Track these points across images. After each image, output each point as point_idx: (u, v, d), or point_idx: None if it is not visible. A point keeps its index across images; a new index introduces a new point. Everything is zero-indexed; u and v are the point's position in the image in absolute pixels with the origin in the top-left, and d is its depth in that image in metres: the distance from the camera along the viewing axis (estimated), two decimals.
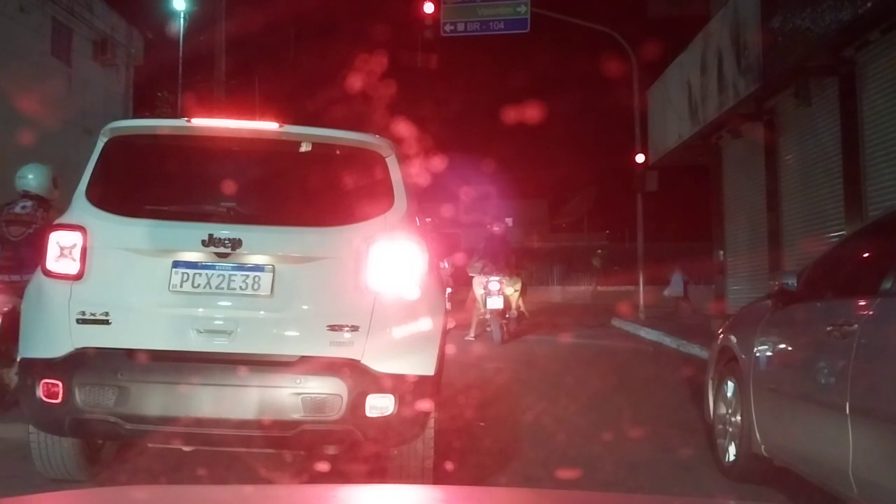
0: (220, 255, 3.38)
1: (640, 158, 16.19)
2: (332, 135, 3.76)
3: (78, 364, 3.28)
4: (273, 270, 3.39)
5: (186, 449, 3.64)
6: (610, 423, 5.43)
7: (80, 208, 3.53)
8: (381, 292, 3.43)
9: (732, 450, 4.28)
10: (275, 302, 3.38)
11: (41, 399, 3.28)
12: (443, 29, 16.23)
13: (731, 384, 4.42)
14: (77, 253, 3.40)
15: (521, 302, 12.04)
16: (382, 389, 3.32)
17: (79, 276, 3.38)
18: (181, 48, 23.47)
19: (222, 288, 3.38)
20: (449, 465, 3.99)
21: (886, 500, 2.86)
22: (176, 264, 3.38)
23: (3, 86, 15.46)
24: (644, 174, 16.14)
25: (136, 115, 20.13)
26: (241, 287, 3.38)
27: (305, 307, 3.43)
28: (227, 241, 3.36)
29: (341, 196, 3.69)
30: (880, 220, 4.08)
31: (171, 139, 3.84)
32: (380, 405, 3.31)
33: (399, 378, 3.36)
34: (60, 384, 3.25)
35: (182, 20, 23.37)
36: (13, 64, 16.14)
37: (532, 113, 20.19)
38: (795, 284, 3.91)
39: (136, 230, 3.44)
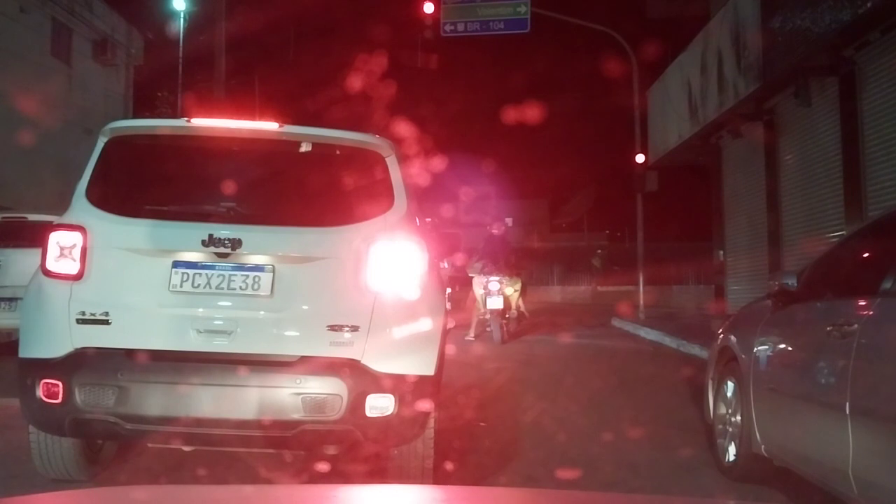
0: (220, 255, 3.38)
1: (640, 158, 16.19)
2: (332, 135, 3.76)
3: (78, 364, 3.28)
4: (273, 270, 3.39)
5: (186, 449, 3.64)
6: (610, 423, 5.43)
7: (80, 208, 3.53)
8: (381, 292, 3.43)
9: (732, 450, 4.28)
10: (275, 302, 3.38)
11: (41, 399, 3.28)
12: (443, 29, 16.22)
13: (731, 384, 4.42)
14: (77, 253, 3.40)
15: (521, 302, 12.04)
16: (382, 389, 3.32)
17: (79, 276, 3.38)
18: (181, 48, 23.50)
19: (222, 288, 3.38)
20: (449, 465, 3.99)
21: (886, 500, 2.85)
22: (176, 264, 3.38)
23: (3, 86, 15.46)
24: (644, 174, 16.14)
25: (136, 115, 20.16)
26: (241, 287, 3.38)
27: (305, 307, 3.43)
28: (227, 242, 3.36)
29: (341, 196, 3.69)
30: (880, 220, 4.07)
31: (171, 139, 3.84)
32: (380, 405, 3.31)
33: (399, 378, 3.36)
34: (60, 384, 3.26)
35: (182, 20, 23.41)
36: (13, 64, 16.15)
37: (532, 113, 20.20)
38: (795, 284, 3.90)
39: (136, 230, 3.44)
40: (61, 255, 3.41)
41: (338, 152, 3.78)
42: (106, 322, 3.33)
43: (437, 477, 3.75)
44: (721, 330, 4.90)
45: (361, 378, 3.31)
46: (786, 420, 3.74)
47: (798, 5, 8.83)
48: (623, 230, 29.96)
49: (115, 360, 3.28)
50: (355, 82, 16.99)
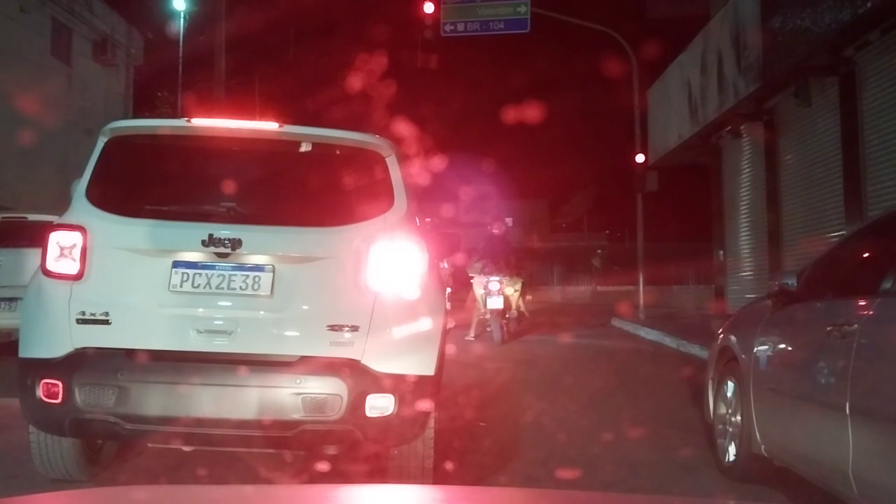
0: (220, 255, 3.38)
1: (640, 158, 16.18)
2: (332, 135, 3.76)
3: (78, 364, 3.28)
4: (273, 270, 3.39)
5: (186, 449, 3.64)
6: (610, 423, 5.43)
7: (80, 208, 3.53)
8: (381, 292, 3.43)
9: (732, 450, 4.28)
10: (275, 302, 3.38)
11: (41, 399, 3.28)
12: (443, 29, 16.23)
13: (731, 384, 4.42)
14: (77, 253, 3.40)
15: (521, 302, 12.04)
16: (382, 389, 3.32)
17: (79, 276, 3.38)
18: (181, 48, 23.49)
19: (222, 288, 3.38)
20: (449, 465, 3.99)
21: (886, 500, 2.85)
22: (176, 264, 3.38)
23: (3, 86, 15.47)
24: (644, 174, 16.14)
25: (136, 115, 20.14)
26: (241, 287, 3.38)
27: (305, 307, 3.43)
28: (227, 241, 3.36)
29: (341, 196, 3.69)
30: (880, 220, 4.08)
31: (171, 139, 3.84)
32: (380, 405, 3.31)
33: (399, 378, 3.36)
34: (60, 384, 3.25)
35: (182, 20, 23.40)
36: (13, 64, 16.15)
37: (532, 113, 20.19)
38: (795, 284, 3.91)
39: (136, 230, 3.44)
40: (61, 255, 3.41)
41: (338, 152, 3.78)
42: (106, 322, 3.33)
43: (437, 477, 3.75)
44: (721, 330, 4.90)
45: (361, 378, 3.31)
46: (786, 420, 3.74)
47: (798, 5, 8.83)
48: (623, 230, 29.97)
49: (115, 360, 3.28)
50: (355, 82, 16.99)
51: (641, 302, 15.77)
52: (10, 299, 7.63)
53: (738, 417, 4.22)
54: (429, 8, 16.03)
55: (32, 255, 3.83)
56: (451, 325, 8.48)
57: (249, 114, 14.53)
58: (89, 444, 3.84)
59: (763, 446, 3.93)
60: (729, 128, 12.34)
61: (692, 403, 5.93)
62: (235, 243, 3.36)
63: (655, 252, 19.38)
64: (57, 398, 3.26)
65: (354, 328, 3.35)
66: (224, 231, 3.39)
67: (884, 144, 8.46)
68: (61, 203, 3.98)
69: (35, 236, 4.10)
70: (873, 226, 4.18)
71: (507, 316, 11.12)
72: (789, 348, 3.95)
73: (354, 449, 3.46)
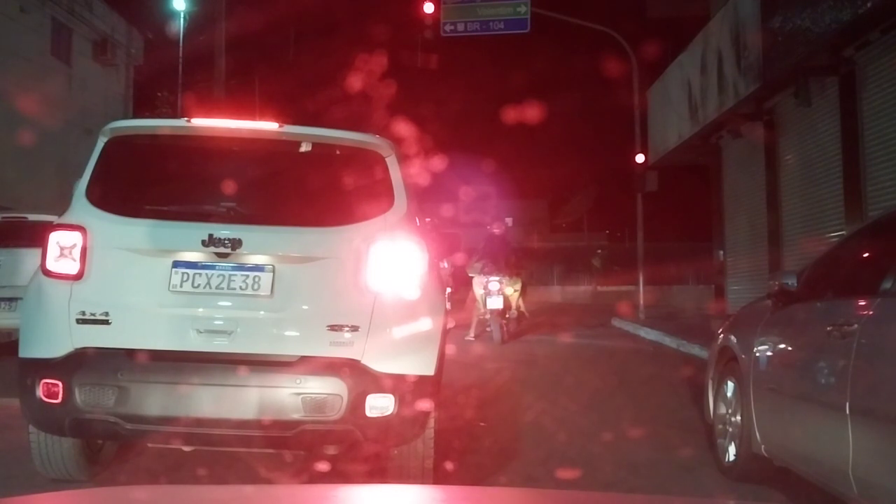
0: (220, 255, 3.38)
1: (640, 158, 16.17)
2: (332, 135, 3.76)
3: (78, 364, 3.28)
4: (273, 270, 3.39)
5: (186, 449, 3.64)
6: (610, 423, 5.44)
7: (80, 208, 3.53)
8: (381, 292, 3.43)
9: (732, 450, 4.28)
10: (275, 302, 3.38)
11: (41, 399, 3.28)
12: (443, 29, 16.23)
13: (731, 384, 4.42)
14: (77, 253, 3.40)
15: (521, 302, 12.04)
16: (382, 389, 3.32)
17: (79, 276, 3.38)
18: (181, 48, 23.49)
19: (222, 288, 3.38)
20: (449, 465, 3.99)
21: (886, 500, 2.86)
22: (176, 264, 3.39)
23: (3, 86, 15.47)
24: (644, 174, 16.13)
25: (136, 115, 20.14)
26: (241, 287, 3.38)
27: (305, 307, 3.43)
28: (227, 241, 3.36)
29: (341, 196, 3.69)
30: (880, 220, 4.08)
31: (171, 139, 3.84)
32: (380, 405, 3.31)
33: (399, 378, 3.36)
34: (60, 384, 3.26)
35: (182, 20, 23.40)
36: (13, 64, 16.15)
37: (532, 113, 20.17)
38: (795, 284, 3.91)
39: (136, 230, 3.44)
40: (61, 255, 3.41)
41: (338, 152, 3.78)
42: (106, 322, 3.33)
43: (437, 477, 3.75)
44: (721, 330, 4.90)
45: (361, 378, 3.31)
46: (786, 420, 3.74)
47: (798, 5, 8.84)
48: (623, 230, 29.91)
49: (115, 360, 3.29)
50: (355, 82, 17.00)
51: (641, 302, 15.76)
52: (10, 299, 7.63)
53: (738, 417, 4.22)
54: (429, 8, 16.04)
55: (32, 255, 3.83)
56: (451, 325, 8.48)
57: (249, 114, 14.52)
58: (89, 444, 3.84)
59: (763, 446, 3.93)
60: (729, 128, 12.34)
61: (692, 403, 5.93)
62: (235, 243, 3.36)
63: (655, 252, 19.37)
64: (57, 398, 3.26)
65: (354, 328, 3.36)
66: (224, 231, 3.39)
67: (884, 144, 8.46)
68: (61, 203, 3.98)
69: (35, 236, 4.10)
70: (873, 226, 4.18)
71: (507, 316, 11.12)
72: (789, 348, 3.95)
73: (354, 449, 3.46)
